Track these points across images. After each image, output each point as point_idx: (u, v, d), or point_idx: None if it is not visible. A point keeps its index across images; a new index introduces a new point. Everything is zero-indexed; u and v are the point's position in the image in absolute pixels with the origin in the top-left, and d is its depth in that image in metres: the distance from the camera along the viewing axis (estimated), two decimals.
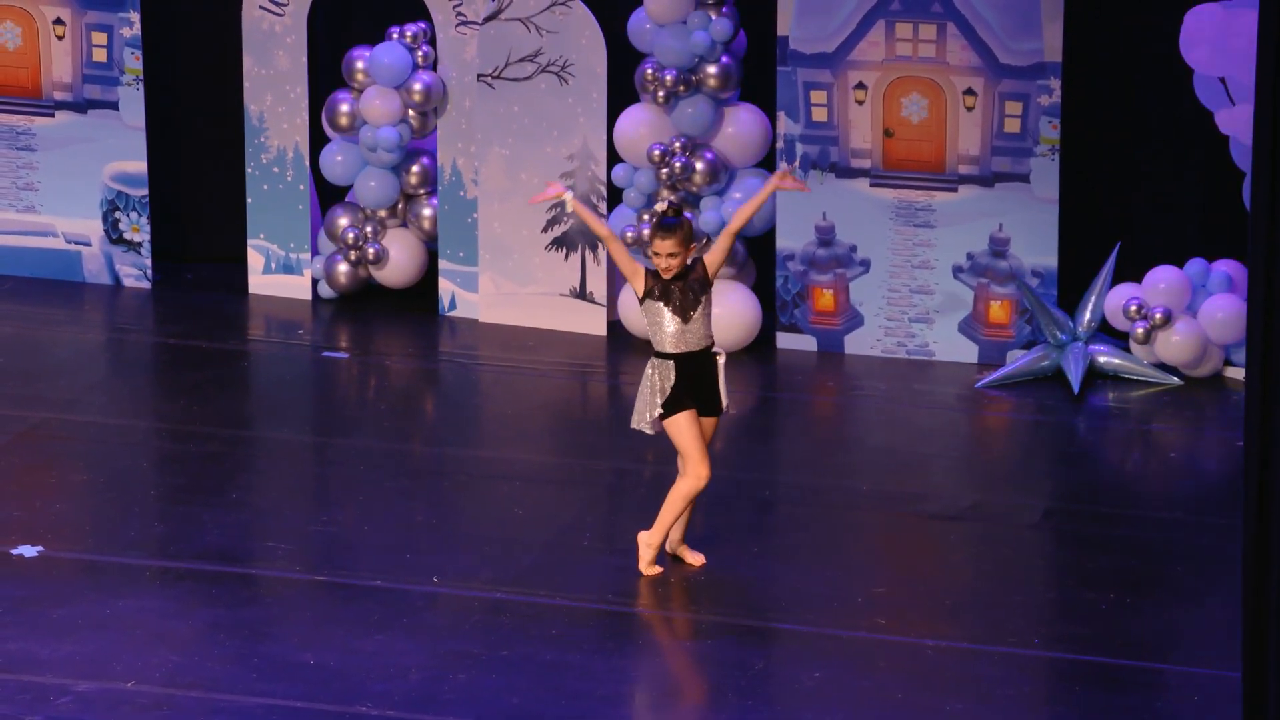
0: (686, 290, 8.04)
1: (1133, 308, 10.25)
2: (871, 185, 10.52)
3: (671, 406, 8.10)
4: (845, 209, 10.55)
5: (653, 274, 8.07)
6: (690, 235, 8.06)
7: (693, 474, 8.12)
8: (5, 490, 9.03)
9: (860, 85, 10.46)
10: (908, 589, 8.32)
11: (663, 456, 9.60)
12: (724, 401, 8.20)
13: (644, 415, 8.15)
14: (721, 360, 8.17)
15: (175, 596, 8.14)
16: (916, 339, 10.58)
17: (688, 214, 8.06)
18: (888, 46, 10.40)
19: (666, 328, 8.07)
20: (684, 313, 8.06)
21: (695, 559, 8.39)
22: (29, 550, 8.46)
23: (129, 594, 8.14)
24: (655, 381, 8.11)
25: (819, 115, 10.51)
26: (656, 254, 8.06)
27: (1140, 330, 10.24)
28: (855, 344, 10.62)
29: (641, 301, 8.08)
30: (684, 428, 8.08)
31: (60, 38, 11.09)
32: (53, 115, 11.17)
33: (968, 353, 10.54)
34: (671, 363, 8.11)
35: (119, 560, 8.41)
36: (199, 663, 7.67)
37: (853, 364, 10.53)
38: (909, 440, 9.73)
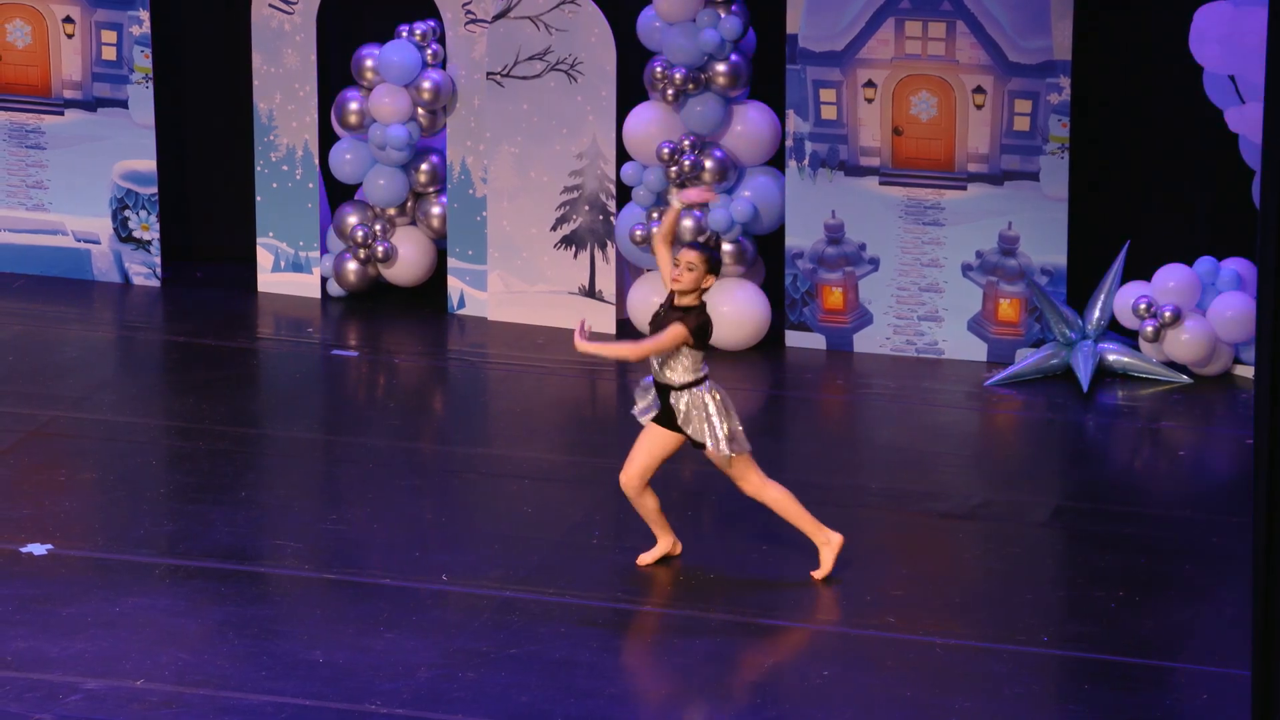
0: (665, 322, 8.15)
1: (1142, 306, 10.24)
2: (881, 183, 10.52)
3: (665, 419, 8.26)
4: (854, 207, 10.54)
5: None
6: (712, 269, 8.12)
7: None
8: (15, 488, 9.04)
9: (870, 83, 10.46)
10: (917, 587, 8.31)
11: (671, 456, 9.59)
12: (705, 442, 8.19)
13: (733, 434, 8.17)
14: (711, 400, 8.19)
15: (184, 595, 8.15)
16: (925, 337, 10.58)
17: (718, 254, 8.22)
18: (897, 44, 10.39)
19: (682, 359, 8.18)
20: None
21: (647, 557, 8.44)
22: (38, 548, 8.46)
23: (138, 592, 8.14)
24: (718, 405, 8.18)
25: (828, 113, 10.50)
26: (678, 262, 8.15)
27: (1150, 328, 10.23)
28: (864, 342, 10.62)
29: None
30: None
31: (70, 36, 11.10)
32: (62, 113, 11.17)
33: (977, 351, 10.53)
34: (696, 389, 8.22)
35: (128, 558, 8.41)
36: (208, 661, 7.68)
37: (862, 362, 10.52)
38: (918, 438, 9.73)
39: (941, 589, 8.32)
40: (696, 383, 8.18)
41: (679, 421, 8.22)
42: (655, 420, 8.27)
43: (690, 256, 8.11)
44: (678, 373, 8.16)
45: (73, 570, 8.32)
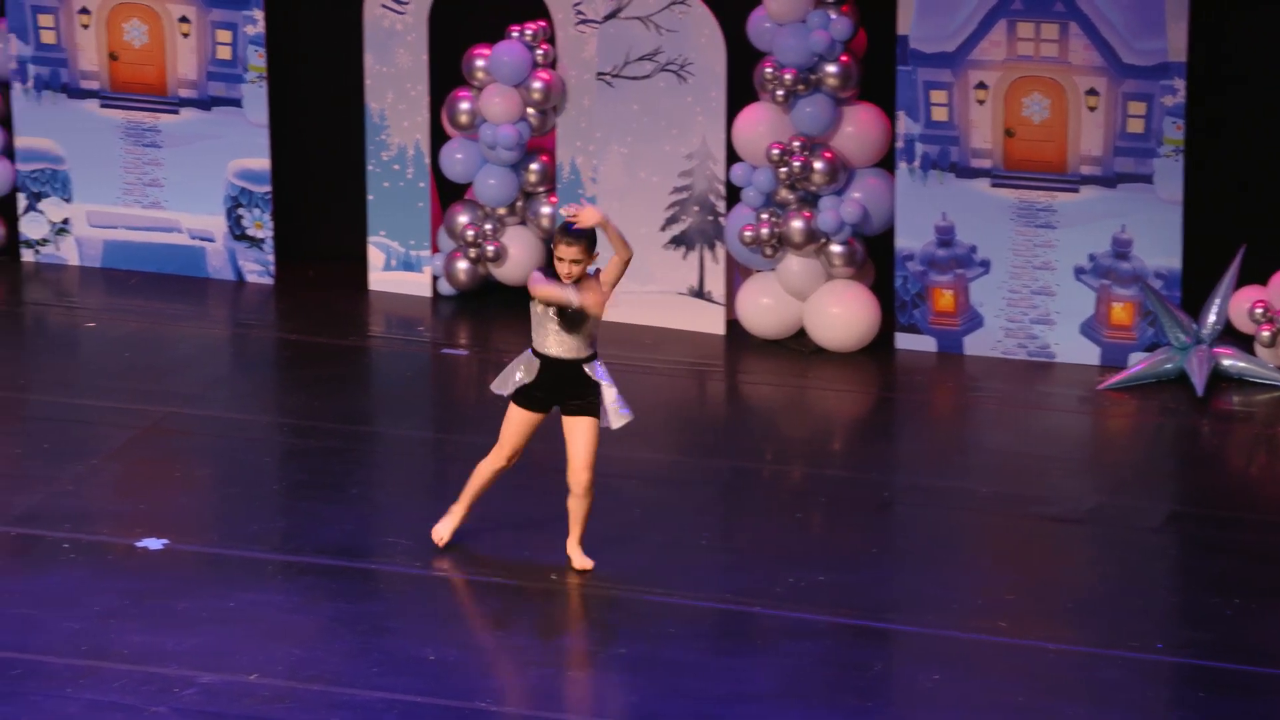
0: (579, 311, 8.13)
1: (1258, 310, 10.14)
2: (992, 185, 10.47)
3: (520, 397, 8.25)
4: (965, 209, 10.49)
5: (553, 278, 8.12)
6: (593, 245, 8.12)
7: (493, 454, 8.36)
8: (131, 484, 9.13)
9: (981, 85, 10.40)
10: (1028, 591, 8.27)
11: (781, 456, 9.60)
12: (609, 418, 8.22)
13: (504, 386, 8.30)
14: (609, 393, 8.17)
15: (297, 590, 8.20)
16: (1037, 340, 10.52)
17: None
18: (1009, 46, 10.34)
19: (550, 333, 8.17)
20: (571, 324, 8.15)
21: (584, 563, 8.36)
22: (154, 543, 8.54)
23: (252, 587, 8.20)
24: (522, 369, 8.24)
25: (939, 115, 10.46)
26: (560, 259, 8.14)
27: (1265, 333, 10.13)
28: (975, 345, 10.57)
29: (533, 300, 8.18)
30: (511, 418, 8.28)
31: (185, 35, 11.20)
32: (178, 112, 11.27)
33: (1089, 355, 10.46)
34: (539, 362, 8.21)
35: (242, 554, 8.48)
36: (320, 657, 7.73)
37: (972, 365, 10.47)
38: (1029, 442, 9.67)
39: (1053, 594, 8.26)
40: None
41: (609, 399, 8.23)
42: (518, 399, 8.29)
43: (573, 253, 8.07)
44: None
45: (187, 565, 8.39)
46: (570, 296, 8.09)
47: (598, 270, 8.21)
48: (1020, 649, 7.84)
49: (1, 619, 7.92)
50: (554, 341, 8.20)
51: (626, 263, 8.15)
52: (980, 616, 8.06)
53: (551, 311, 8.14)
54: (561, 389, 8.24)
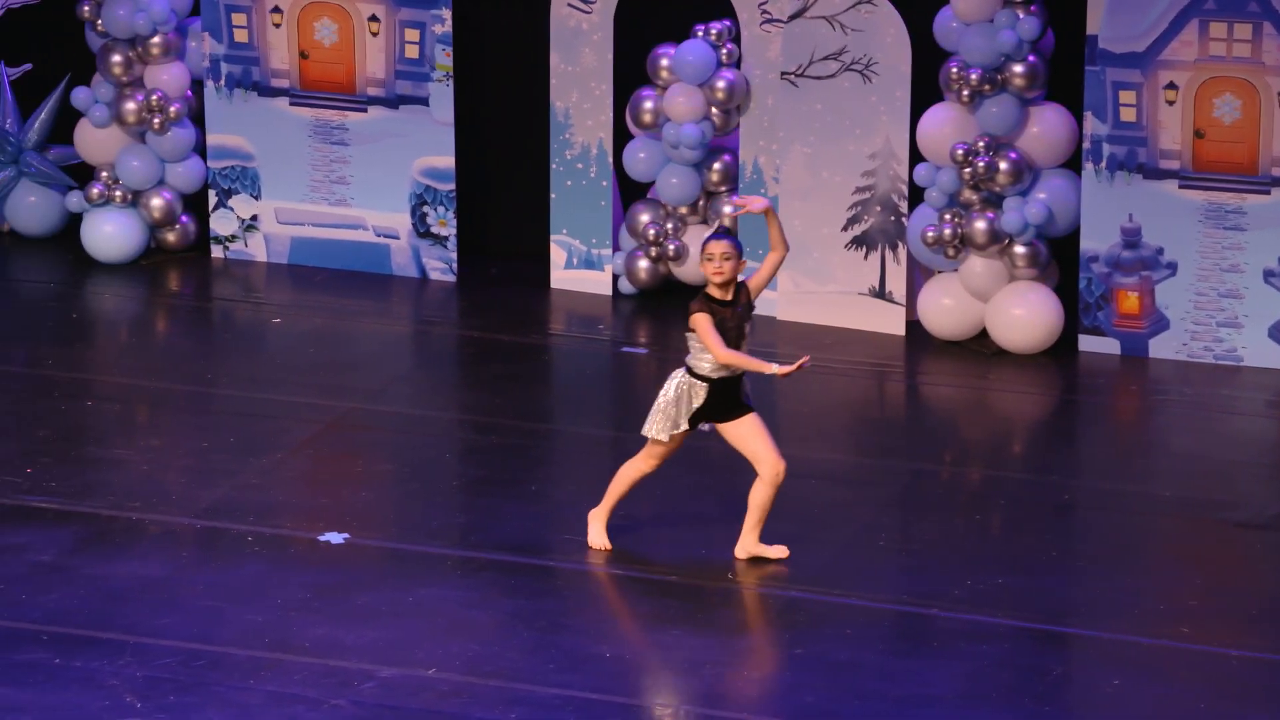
0: (740, 322, 8.19)
1: None
2: (1180, 187, 10.32)
3: (721, 417, 8.26)
4: (1153, 210, 10.36)
5: (710, 306, 8.15)
6: (741, 251, 8.20)
7: (644, 460, 8.40)
8: (314, 478, 9.25)
9: (1171, 85, 10.26)
10: (1212, 597, 8.15)
11: (961, 458, 9.53)
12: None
13: (671, 424, 8.24)
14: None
15: (475, 586, 8.27)
16: (1224, 344, 10.36)
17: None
18: (1201, 46, 10.19)
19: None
20: (736, 346, 8.18)
21: (779, 552, 8.35)
22: (335, 537, 8.65)
23: (431, 582, 8.28)
24: (686, 400, 8.23)
25: (1128, 115, 10.33)
26: (710, 257, 8.16)
27: None
28: (1160, 348, 10.43)
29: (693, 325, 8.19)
30: (746, 431, 8.29)
31: (375, 34, 11.33)
32: (365, 110, 11.41)
33: (1278, 359, 10.28)
34: (705, 386, 8.22)
35: (422, 549, 8.56)
36: (498, 652, 7.79)
37: (1157, 368, 10.34)
38: (1214, 446, 9.53)
39: (1238, 600, 8.14)
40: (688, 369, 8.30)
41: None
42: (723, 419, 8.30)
43: (723, 247, 8.14)
44: (701, 361, 8.27)
45: (368, 559, 8.49)
46: (760, 366, 8.17)
47: (745, 287, 8.27)
48: (1203, 655, 7.73)
49: (187, 610, 8.07)
50: (717, 366, 8.24)
51: (781, 260, 8.24)
52: (1162, 622, 7.96)
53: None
54: (723, 405, 8.27)
